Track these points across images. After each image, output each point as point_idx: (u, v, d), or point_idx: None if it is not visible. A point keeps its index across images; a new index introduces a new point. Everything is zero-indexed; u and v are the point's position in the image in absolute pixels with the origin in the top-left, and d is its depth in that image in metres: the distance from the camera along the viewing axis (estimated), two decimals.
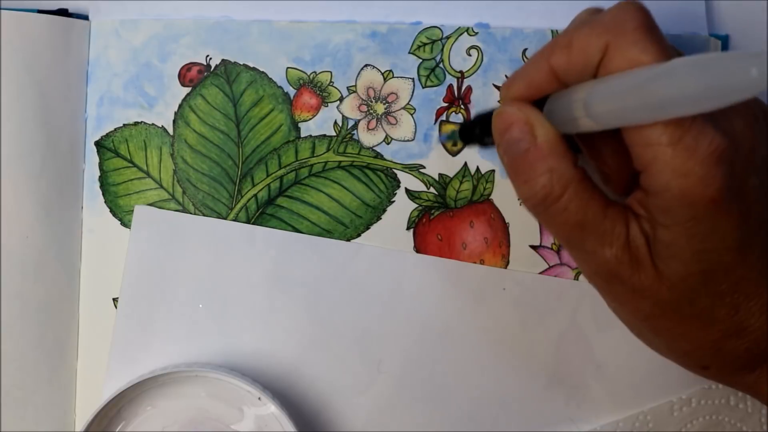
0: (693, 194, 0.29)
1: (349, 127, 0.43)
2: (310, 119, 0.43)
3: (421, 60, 0.43)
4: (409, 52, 0.43)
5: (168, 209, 0.43)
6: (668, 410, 0.42)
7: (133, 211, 0.42)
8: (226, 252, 0.42)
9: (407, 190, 0.43)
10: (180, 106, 0.43)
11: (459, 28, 0.43)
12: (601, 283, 0.33)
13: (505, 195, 0.42)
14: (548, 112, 0.33)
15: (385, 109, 0.43)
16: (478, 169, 0.43)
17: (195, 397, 0.41)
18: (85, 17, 0.43)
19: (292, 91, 0.43)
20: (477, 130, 0.37)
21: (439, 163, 0.43)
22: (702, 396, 0.42)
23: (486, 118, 0.36)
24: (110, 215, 0.43)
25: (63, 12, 0.42)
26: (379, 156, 0.43)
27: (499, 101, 0.35)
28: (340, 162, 0.43)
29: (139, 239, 0.42)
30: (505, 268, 0.43)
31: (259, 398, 0.40)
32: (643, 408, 0.42)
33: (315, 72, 0.43)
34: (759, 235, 0.31)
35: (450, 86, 0.43)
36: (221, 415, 0.41)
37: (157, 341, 0.42)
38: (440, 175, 0.43)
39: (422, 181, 0.43)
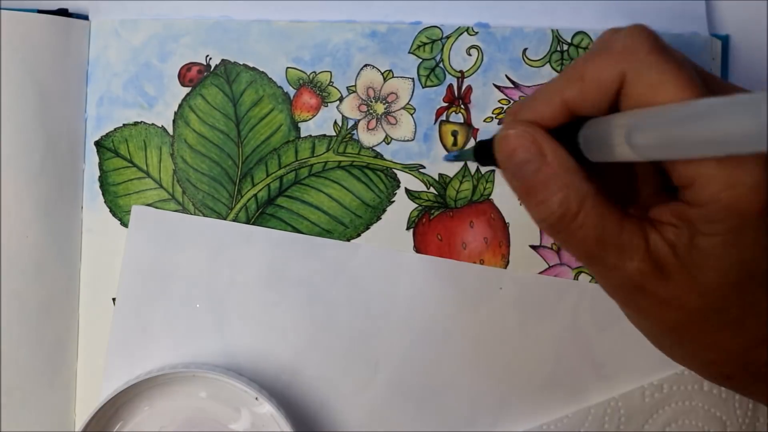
0: (741, 205, 0.28)
1: (348, 127, 0.43)
2: (310, 119, 0.43)
3: (421, 60, 0.43)
4: (409, 52, 0.43)
5: (168, 209, 0.43)
6: (639, 396, 0.42)
7: None
8: (223, 252, 0.42)
9: (407, 190, 0.43)
10: (180, 106, 0.43)
11: (459, 27, 0.42)
12: (624, 297, 0.33)
13: (505, 195, 0.42)
14: (584, 138, 0.32)
15: (385, 109, 0.43)
16: (478, 169, 0.42)
17: (192, 397, 0.41)
18: (85, 17, 0.43)
19: (292, 91, 0.43)
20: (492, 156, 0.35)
21: (439, 163, 0.42)
22: (674, 382, 0.42)
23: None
24: (110, 215, 0.43)
25: (63, 12, 0.42)
26: (379, 156, 0.43)
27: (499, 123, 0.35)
28: (340, 162, 0.43)
29: (136, 239, 0.42)
30: (505, 268, 0.42)
31: (257, 398, 0.40)
32: (614, 394, 0.42)
33: (315, 72, 0.43)
34: None
35: (450, 86, 0.43)
36: (219, 415, 0.41)
37: (154, 341, 0.42)
38: (440, 175, 0.42)
39: (422, 181, 0.43)
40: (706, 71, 0.34)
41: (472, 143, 0.42)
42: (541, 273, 0.42)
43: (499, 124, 0.42)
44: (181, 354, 0.42)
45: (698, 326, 0.31)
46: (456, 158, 0.40)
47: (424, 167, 0.43)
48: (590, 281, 0.42)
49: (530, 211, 0.33)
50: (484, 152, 0.36)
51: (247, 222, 0.42)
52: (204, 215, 0.42)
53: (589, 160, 0.32)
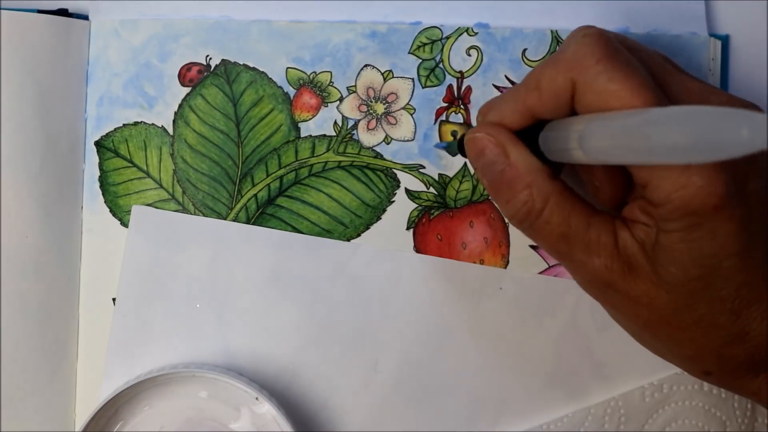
0: (695, 204, 0.29)
1: (348, 127, 0.43)
2: (310, 119, 0.43)
3: (420, 60, 0.43)
4: (409, 52, 0.43)
5: (168, 209, 0.43)
6: (639, 396, 0.42)
7: None
8: (223, 252, 0.42)
9: (407, 190, 0.43)
10: (180, 106, 0.43)
11: (459, 28, 0.42)
12: (595, 293, 0.34)
13: None
14: (543, 143, 0.33)
15: (385, 109, 0.43)
16: None
17: (193, 397, 0.41)
18: (85, 17, 0.43)
19: (292, 91, 0.43)
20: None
21: (439, 163, 0.42)
22: (674, 381, 0.42)
23: None
24: (110, 215, 0.43)
25: (63, 12, 0.42)
26: (378, 156, 0.43)
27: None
28: (340, 162, 0.43)
29: (136, 239, 0.42)
30: (505, 267, 0.42)
31: (257, 398, 0.40)
32: (614, 394, 0.42)
33: (315, 72, 0.43)
34: (760, 240, 0.30)
35: (450, 86, 0.43)
36: (219, 415, 0.41)
37: (154, 341, 0.42)
38: (440, 175, 0.43)
39: (422, 181, 0.43)
40: (675, 66, 0.34)
41: None
42: (541, 273, 0.42)
43: None
44: (181, 354, 0.42)
45: (670, 323, 0.32)
46: (445, 148, 0.41)
47: (424, 167, 0.43)
48: None
49: (500, 208, 0.35)
50: (463, 146, 0.37)
51: (247, 222, 0.42)
52: (204, 215, 0.42)
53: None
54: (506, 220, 0.42)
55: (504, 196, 0.33)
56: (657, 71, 0.32)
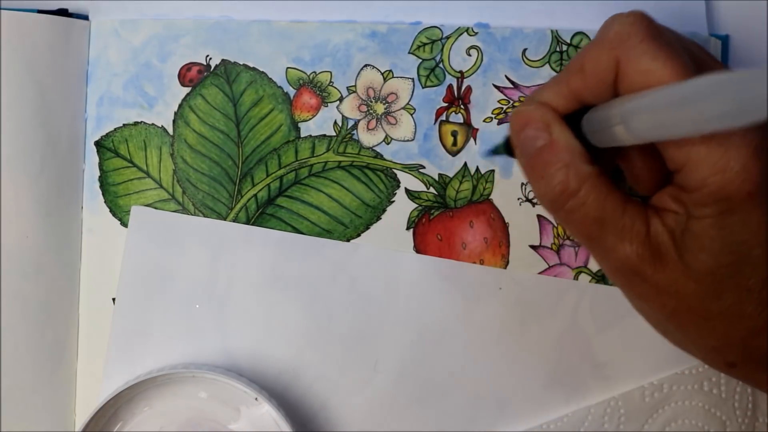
0: (730, 189, 0.29)
1: (348, 127, 0.43)
2: (310, 119, 0.43)
3: (420, 60, 0.43)
4: (409, 52, 0.43)
5: (168, 209, 0.43)
6: (639, 395, 0.42)
7: None
8: (223, 252, 0.42)
9: (407, 190, 0.43)
10: (180, 106, 0.43)
11: (459, 28, 0.42)
12: (622, 281, 0.33)
13: (505, 195, 0.42)
14: (586, 124, 0.33)
15: (385, 109, 0.43)
16: (477, 169, 0.42)
17: (192, 398, 0.41)
18: (85, 17, 0.43)
19: (292, 91, 0.43)
20: None
21: (439, 163, 0.42)
22: (674, 381, 0.42)
23: None
24: (110, 215, 0.43)
25: (63, 12, 0.42)
26: (378, 156, 0.43)
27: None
28: (340, 162, 0.43)
29: (135, 240, 0.42)
30: (505, 268, 0.42)
31: (256, 398, 0.40)
32: (614, 394, 0.42)
33: (315, 72, 0.43)
34: None
35: (450, 86, 0.43)
36: (218, 415, 0.41)
37: (154, 342, 0.42)
38: (440, 175, 0.43)
39: (422, 181, 0.43)
40: (708, 55, 0.34)
41: (472, 143, 0.42)
42: (541, 273, 0.42)
43: (498, 124, 0.42)
44: (180, 354, 0.42)
45: (696, 313, 0.32)
46: (492, 152, 0.40)
47: (424, 167, 0.43)
48: (590, 281, 0.42)
49: (533, 186, 0.34)
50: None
51: (247, 222, 0.42)
52: (204, 215, 0.42)
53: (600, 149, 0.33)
54: (506, 221, 0.42)
55: (539, 173, 0.33)
56: (695, 57, 0.32)
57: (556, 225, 0.42)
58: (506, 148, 0.38)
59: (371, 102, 0.43)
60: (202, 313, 0.42)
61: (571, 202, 0.32)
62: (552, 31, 0.42)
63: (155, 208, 0.43)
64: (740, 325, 0.31)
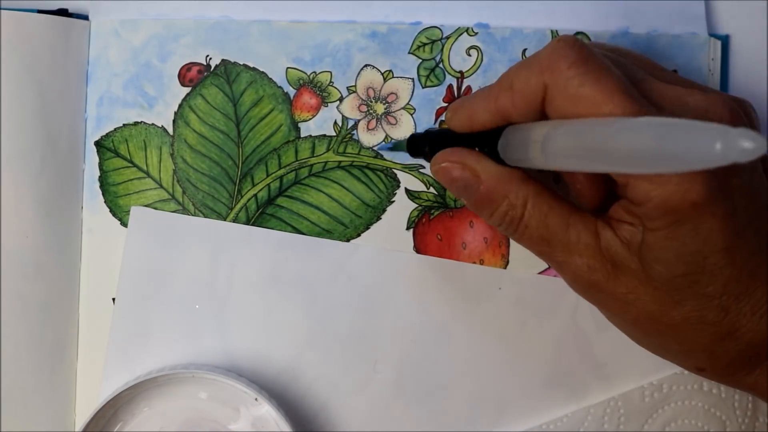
0: (673, 201, 0.29)
1: (349, 127, 0.43)
2: (310, 119, 0.43)
3: (420, 60, 0.43)
4: (409, 52, 0.43)
5: (168, 209, 0.43)
6: (639, 396, 0.42)
7: None
8: (222, 252, 0.42)
9: (407, 190, 0.43)
10: (180, 106, 0.43)
11: (459, 28, 0.42)
12: (581, 291, 0.34)
13: None
14: (502, 146, 0.34)
15: (385, 109, 0.43)
16: None
17: (192, 398, 0.41)
18: (85, 17, 0.43)
19: (292, 91, 0.43)
20: (426, 149, 0.38)
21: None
22: (674, 381, 0.42)
23: (434, 139, 0.38)
24: (110, 215, 0.43)
25: (63, 12, 0.42)
26: (378, 156, 0.43)
27: (442, 124, 0.37)
28: (340, 162, 0.43)
29: (135, 240, 0.42)
30: (505, 268, 0.42)
31: (256, 399, 0.40)
32: (614, 394, 0.42)
33: (315, 72, 0.43)
34: (746, 235, 0.30)
35: (450, 86, 0.43)
36: (218, 415, 0.41)
37: (154, 342, 0.42)
38: None
39: (422, 181, 0.43)
40: (657, 71, 0.34)
41: None
42: (541, 273, 0.42)
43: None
44: (180, 354, 0.42)
45: (657, 320, 0.32)
46: (391, 149, 0.42)
47: (424, 167, 0.43)
48: None
49: (487, 222, 0.35)
50: (415, 146, 0.40)
51: (247, 222, 0.42)
52: (204, 215, 0.42)
53: None
54: None
55: (486, 212, 0.34)
56: (632, 76, 0.32)
57: None
58: (408, 148, 0.40)
59: (371, 102, 0.43)
60: (202, 313, 0.42)
61: (519, 227, 0.33)
62: (552, 31, 0.42)
63: (155, 208, 0.43)
64: (703, 332, 0.31)
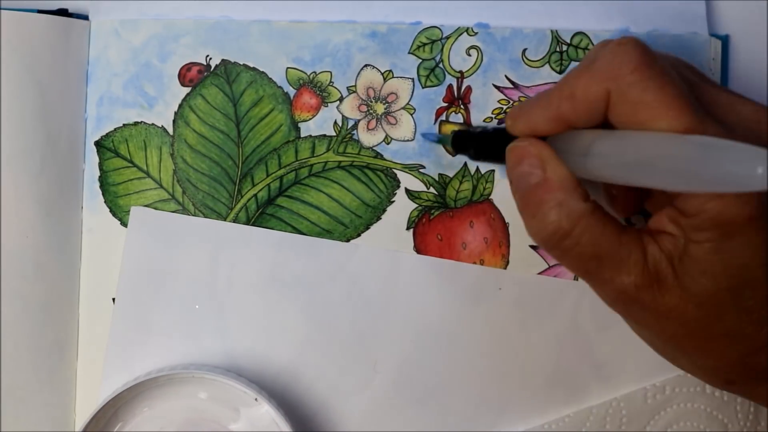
0: (729, 214, 0.28)
1: (348, 127, 0.43)
2: (310, 119, 0.43)
3: (420, 60, 0.43)
4: (409, 52, 0.43)
5: (168, 209, 0.43)
6: (642, 397, 0.42)
7: None
8: (222, 252, 0.42)
9: (407, 190, 0.43)
10: (180, 106, 0.43)
11: (459, 28, 0.42)
12: (621, 309, 0.33)
13: (505, 195, 0.42)
14: (558, 144, 0.33)
15: (385, 109, 0.43)
16: (477, 169, 0.42)
17: (192, 398, 0.41)
18: (85, 17, 0.43)
19: (292, 91, 0.43)
20: (472, 149, 0.38)
21: (439, 163, 0.42)
22: (676, 383, 0.42)
23: (483, 138, 0.37)
24: (110, 215, 0.43)
25: (63, 12, 0.42)
26: (378, 156, 0.43)
27: (506, 129, 0.35)
28: (340, 162, 0.43)
29: (135, 240, 0.42)
30: (505, 268, 0.42)
31: (256, 399, 0.40)
32: (616, 395, 0.42)
33: (315, 72, 0.43)
34: None
35: (450, 86, 0.43)
36: (218, 416, 0.41)
37: (153, 342, 0.42)
38: (440, 175, 0.42)
39: (422, 181, 0.43)
40: (705, 78, 0.34)
41: None
42: (541, 273, 0.42)
43: (499, 123, 0.42)
44: (180, 354, 0.42)
45: (697, 335, 0.31)
46: (438, 141, 0.42)
47: (424, 167, 0.42)
48: None
49: (525, 222, 0.33)
50: (460, 143, 0.39)
51: (247, 222, 0.42)
52: (204, 215, 0.42)
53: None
54: (506, 222, 0.42)
55: (532, 210, 0.32)
56: (690, 82, 0.31)
57: None
58: (455, 145, 0.40)
59: (371, 102, 0.43)
60: (202, 313, 0.42)
61: (565, 242, 0.32)
62: (552, 31, 0.42)
63: (155, 208, 0.43)
64: (740, 345, 0.31)
